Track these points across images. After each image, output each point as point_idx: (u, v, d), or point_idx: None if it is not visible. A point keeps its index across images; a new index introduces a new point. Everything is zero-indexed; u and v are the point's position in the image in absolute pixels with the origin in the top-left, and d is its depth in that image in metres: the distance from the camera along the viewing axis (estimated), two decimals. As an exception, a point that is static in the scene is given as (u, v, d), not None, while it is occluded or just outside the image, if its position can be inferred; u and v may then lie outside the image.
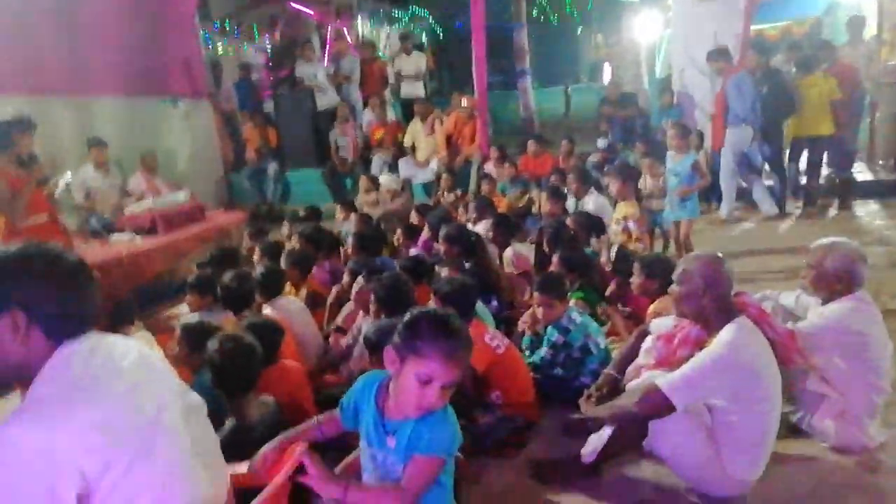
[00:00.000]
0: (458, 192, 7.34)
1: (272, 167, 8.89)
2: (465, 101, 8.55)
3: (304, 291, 4.08)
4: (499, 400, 2.94)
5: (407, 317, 1.63)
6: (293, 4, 11.33)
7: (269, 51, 10.92)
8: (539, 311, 3.29)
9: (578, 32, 16.54)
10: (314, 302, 4.05)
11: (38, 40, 6.25)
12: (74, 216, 5.61)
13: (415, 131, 8.68)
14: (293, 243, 4.95)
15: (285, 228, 5.71)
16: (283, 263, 4.24)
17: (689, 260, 2.48)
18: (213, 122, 8.79)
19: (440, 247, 4.40)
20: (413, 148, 8.65)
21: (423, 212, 5.70)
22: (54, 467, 1.19)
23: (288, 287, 4.00)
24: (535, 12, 12.75)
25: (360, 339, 3.47)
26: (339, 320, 3.91)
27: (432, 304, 2.96)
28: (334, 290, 4.17)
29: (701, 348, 2.33)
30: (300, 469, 1.55)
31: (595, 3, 13.27)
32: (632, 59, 10.68)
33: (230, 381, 2.40)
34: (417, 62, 9.83)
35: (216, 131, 8.85)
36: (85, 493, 1.22)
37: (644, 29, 10.65)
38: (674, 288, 2.44)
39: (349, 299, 3.83)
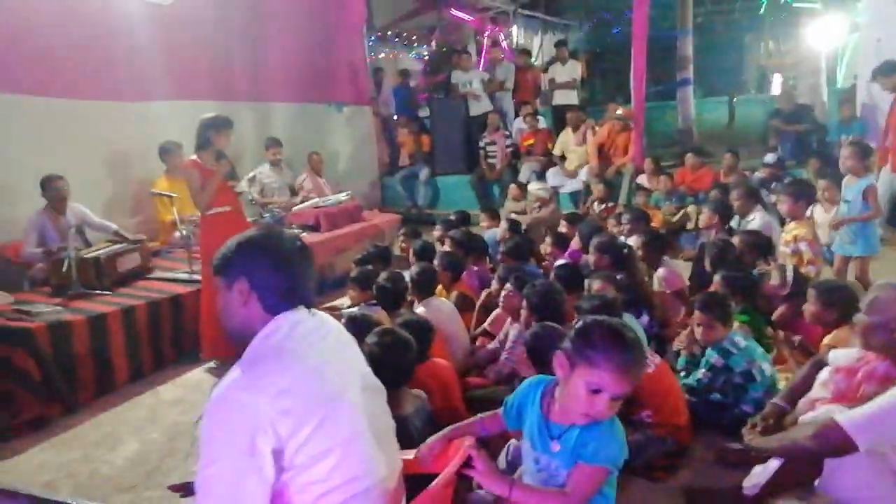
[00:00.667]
0: (609, 203, 7.17)
1: (424, 172, 9.19)
2: (620, 111, 8.33)
3: (454, 294, 4.18)
4: (649, 419, 2.84)
5: (581, 323, 1.63)
6: (453, 12, 11.63)
7: (426, 57, 11.33)
8: (698, 332, 3.12)
9: (746, 39, 15.49)
10: (462, 305, 4.13)
11: (228, 53, 6.98)
12: (250, 210, 6.15)
13: (565, 141, 8.58)
14: (444, 246, 5.09)
15: (437, 231, 5.87)
16: (435, 265, 4.38)
17: (880, 288, 2.27)
18: (372, 127, 9.21)
19: (590, 257, 4.33)
20: (563, 157, 8.57)
21: (572, 221, 5.60)
22: (256, 424, 1.34)
23: (439, 289, 4.13)
24: (700, 18, 12.12)
25: (508, 344, 3.52)
26: (486, 324, 3.98)
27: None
28: (483, 294, 4.24)
29: (889, 385, 2.11)
30: (466, 462, 1.60)
31: (768, 8, 12.33)
32: (809, 68, 9.79)
33: (386, 373, 2.49)
34: (572, 70, 9.67)
35: (374, 136, 9.28)
36: (279, 448, 1.36)
37: (825, 34, 9.73)
38: (861, 317, 2.24)
39: (497, 304, 3.88)
